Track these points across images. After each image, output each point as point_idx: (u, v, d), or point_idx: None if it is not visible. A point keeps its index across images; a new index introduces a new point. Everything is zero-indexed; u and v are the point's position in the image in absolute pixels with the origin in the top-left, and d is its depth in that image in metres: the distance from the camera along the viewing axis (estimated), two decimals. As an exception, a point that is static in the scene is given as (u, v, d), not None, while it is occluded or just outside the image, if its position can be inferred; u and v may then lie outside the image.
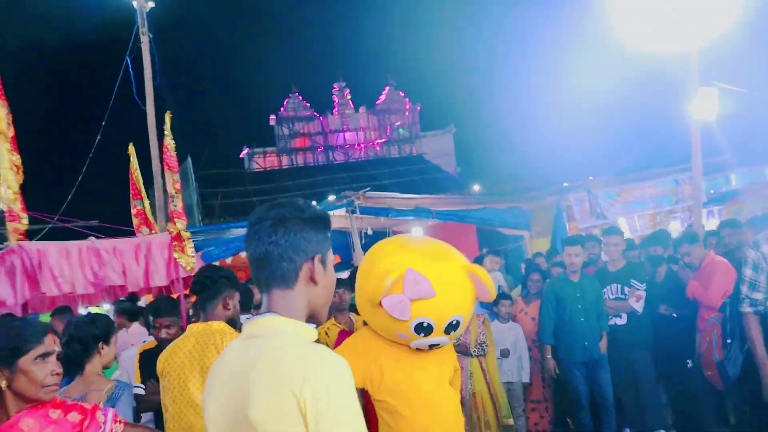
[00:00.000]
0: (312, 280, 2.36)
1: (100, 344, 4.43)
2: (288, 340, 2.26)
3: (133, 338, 7.92)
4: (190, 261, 8.60)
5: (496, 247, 12.25)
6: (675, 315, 8.15)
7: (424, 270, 3.60)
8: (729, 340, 6.32)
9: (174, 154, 8.56)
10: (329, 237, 2.43)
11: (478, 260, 10.43)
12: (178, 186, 8.56)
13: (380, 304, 3.63)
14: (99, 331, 4.44)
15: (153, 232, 9.27)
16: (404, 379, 3.84)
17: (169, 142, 8.46)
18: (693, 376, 8.30)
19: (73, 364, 4.26)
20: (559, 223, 13.89)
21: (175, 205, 8.49)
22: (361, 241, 12.67)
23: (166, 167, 8.70)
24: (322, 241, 2.39)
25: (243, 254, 12.06)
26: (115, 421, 3.18)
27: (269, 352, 2.23)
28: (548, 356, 8.09)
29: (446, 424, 3.94)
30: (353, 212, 12.08)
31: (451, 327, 3.78)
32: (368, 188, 13.07)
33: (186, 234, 8.64)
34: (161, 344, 5.80)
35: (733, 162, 14.33)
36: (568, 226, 14.07)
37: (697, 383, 8.34)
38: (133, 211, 10.11)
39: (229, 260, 12.27)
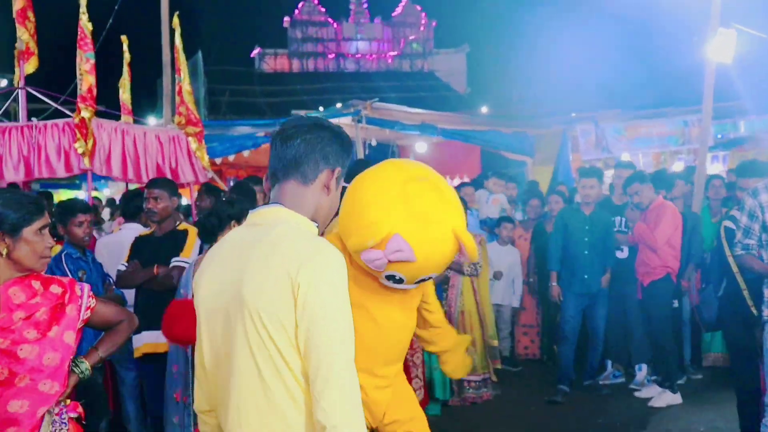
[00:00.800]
0: (326, 187, 2.46)
1: (233, 222, 4.99)
2: (290, 228, 2.34)
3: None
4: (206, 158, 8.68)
5: (499, 170, 12.23)
6: None
7: (411, 235, 3.53)
8: (704, 285, 6.41)
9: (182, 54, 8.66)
10: (347, 161, 2.53)
11: (482, 179, 10.34)
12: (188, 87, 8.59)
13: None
14: (234, 212, 5.03)
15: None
16: (365, 294, 3.87)
17: (179, 43, 8.57)
18: (677, 316, 8.46)
19: (209, 233, 4.98)
20: (563, 153, 13.86)
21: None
22: (364, 152, 12.68)
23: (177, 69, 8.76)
24: (344, 160, 2.50)
25: (246, 153, 12.10)
26: (89, 296, 3.23)
27: (270, 237, 2.30)
28: (554, 283, 8.13)
29: (395, 350, 4.04)
30: (359, 122, 12.07)
31: (422, 280, 3.83)
32: (376, 99, 13.02)
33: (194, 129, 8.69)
34: (148, 215, 5.95)
35: (743, 108, 14.25)
36: (571, 156, 14.05)
37: (681, 324, 8.53)
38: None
39: (231, 157, 12.29)
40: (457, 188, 9.35)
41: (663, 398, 7.68)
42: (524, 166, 14.85)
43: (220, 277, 2.37)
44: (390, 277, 3.67)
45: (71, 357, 3.14)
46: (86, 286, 3.27)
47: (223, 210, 5.11)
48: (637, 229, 7.78)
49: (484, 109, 24.15)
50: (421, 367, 6.61)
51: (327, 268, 2.21)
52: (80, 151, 7.41)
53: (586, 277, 7.92)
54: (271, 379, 2.23)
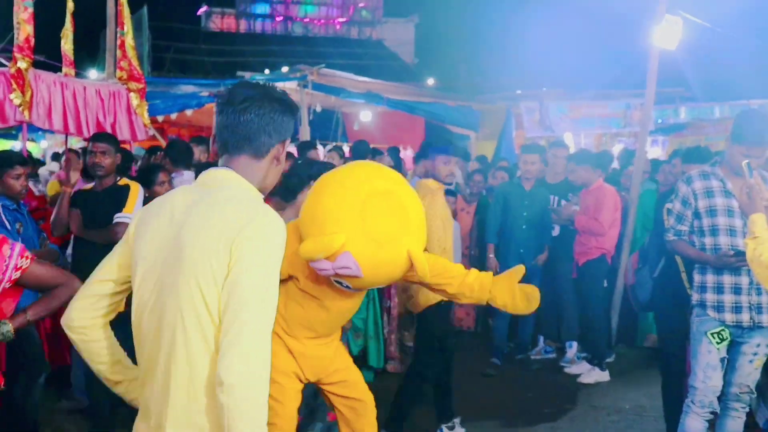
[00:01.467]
0: (276, 159, 2.49)
1: (311, 182, 4.94)
2: (238, 192, 2.36)
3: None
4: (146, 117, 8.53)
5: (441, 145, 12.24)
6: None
7: (361, 254, 3.66)
8: (640, 266, 6.53)
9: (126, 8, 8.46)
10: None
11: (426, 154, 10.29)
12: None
13: None
14: (313, 171, 5.04)
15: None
16: (319, 288, 3.95)
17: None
18: (608, 296, 8.63)
19: (289, 193, 5.11)
20: (507, 129, 13.94)
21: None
22: (309, 117, 12.61)
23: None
24: (290, 128, 2.51)
25: (188, 112, 11.94)
26: (22, 256, 3.15)
27: (216, 197, 2.33)
28: (491, 255, 8.22)
29: (340, 324, 4.24)
30: (305, 87, 11.99)
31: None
32: (323, 65, 12.94)
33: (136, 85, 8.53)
34: (94, 169, 5.84)
35: (685, 95, 14.49)
36: (515, 133, 14.15)
37: (610, 302, 8.69)
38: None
39: (174, 116, 12.13)
40: (416, 160, 9.38)
41: (591, 375, 7.84)
42: (468, 140, 14.92)
43: (161, 230, 2.36)
44: (337, 282, 3.78)
45: None
46: (18, 246, 3.17)
47: (303, 170, 5.26)
48: (579, 222, 7.91)
49: (430, 81, 24.15)
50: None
51: (265, 233, 2.24)
52: (16, 102, 7.24)
53: (521, 251, 8.01)
54: (194, 334, 2.22)
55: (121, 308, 2.61)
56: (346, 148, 12.34)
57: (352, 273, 3.65)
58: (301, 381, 4.45)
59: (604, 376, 7.86)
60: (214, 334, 2.21)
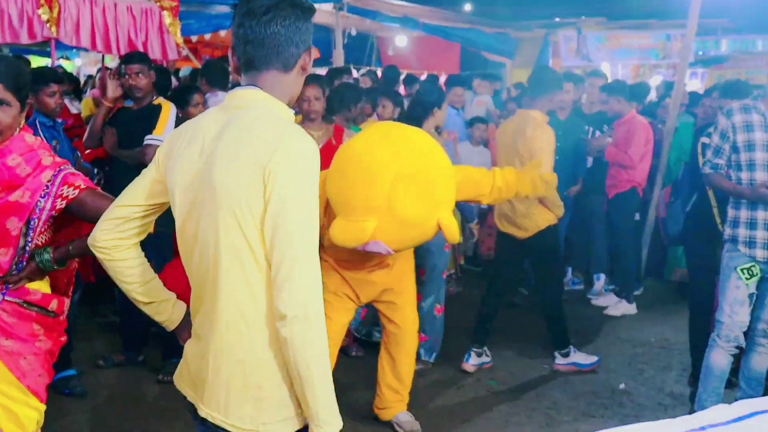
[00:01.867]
0: (303, 69, 2.37)
1: (434, 109, 5.56)
2: (266, 113, 2.27)
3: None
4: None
5: (478, 70, 12.13)
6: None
7: (390, 237, 3.88)
8: (672, 200, 6.45)
9: None
10: None
11: (465, 79, 10.18)
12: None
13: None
14: (434, 98, 5.61)
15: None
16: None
17: None
18: (639, 229, 8.57)
19: (413, 121, 5.21)
20: (543, 57, 13.75)
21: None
22: (343, 41, 12.46)
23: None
24: (312, 33, 2.39)
25: (222, 32, 11.84)
26: (68, 184, 3.02)
27: (244, 121, 2.24)
28: None
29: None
30: (340, 9, 11.81)
31: None
32: (359, -13, 12.74)
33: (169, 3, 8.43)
34: (131, 91, 5.83)
35: (727, 27, 14.15)
36: (551, 61, 13.93)
37: (641, 235, 8.63)
38: None
39: (207, 36, 12.03)
40: (447, 87, 9.30)
41: (618, 308, 7.84)
42: (503, 68, 14.74)
43: (194, 160, 2.30)
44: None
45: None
46: (63, 174, 3.05)
47: (426, 98, 5.57)
48: (610, 154, 7.80)
49: (467, 7, 23.72)
50: None
51: (298, 157, 2.15)
52: (44, 18, 7.20)
53: (554, 182, 7.89)
54: (232, 267, 2.20)
55: (151, 230, 2.61)
56: (379, 73, 12.23)
57: (382, 252, 3.92)
58: (353, 301, 4.78)
59: (630, 308, 7.85)
60: (255, 268, 2.19)
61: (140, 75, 5.72)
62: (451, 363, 6.27)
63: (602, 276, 8.33)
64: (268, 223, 2.13)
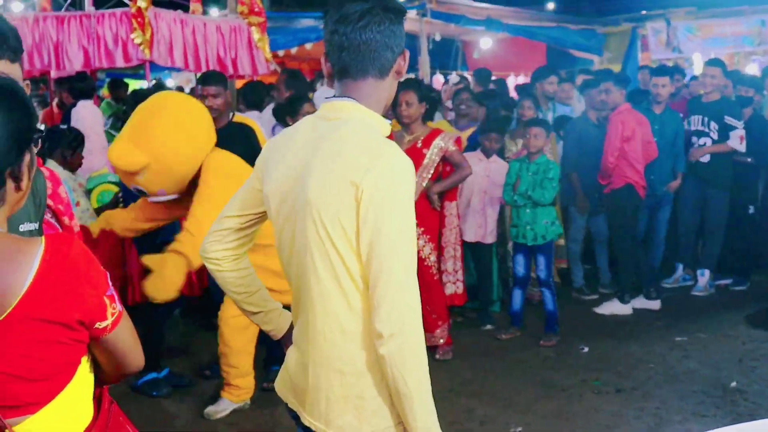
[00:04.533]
0: (398, 73, 2.35)
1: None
2: (362, 127, 2.24)
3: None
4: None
5: (565, 68, 11.95)
6: (749, 160, 8.03)
7: None
8: None
9: None
10: None
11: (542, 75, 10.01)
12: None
13: None
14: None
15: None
16: None
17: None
18: (753, 223, 8.30)
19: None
20: (632, 52, 13.51)
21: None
22: (428, 47, 12.47)
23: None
24: (404, 37, 2.37)
25: (308, 45, 11.98)
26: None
27: (339, 134, 2.22)
28: None
29: None
30: (424, 15, 11.82)
31: None
32: (442, -8, 12.73)
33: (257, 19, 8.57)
34: (210, 113, 5.86)
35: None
36: (640, 56, 13.67)
37: (757, 230, 8.35)
38: None
39: (294, 50, 12.17)
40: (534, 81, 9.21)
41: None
42: (591, 65, 14.50)
43: (290, 169, 2.30)
44: None
45: None
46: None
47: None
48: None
49: (550, 5, 23.49)
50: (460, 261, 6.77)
51: (392, 174, 2.12)
52: (137, 41, 7.43)
53: (652, 177, 7.71)
54: (327, 280, 2.20)
55: (256, 240, 2.65)
56: (468, 77, 12.18)
57: None
58: None
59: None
60: (350, 282, 2.18)
61: (217, 97, 5.78)
62: (555, 364, 6.19)
63: (707, 272, 8.10)
64: (363, 241, 2.12)
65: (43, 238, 1.74)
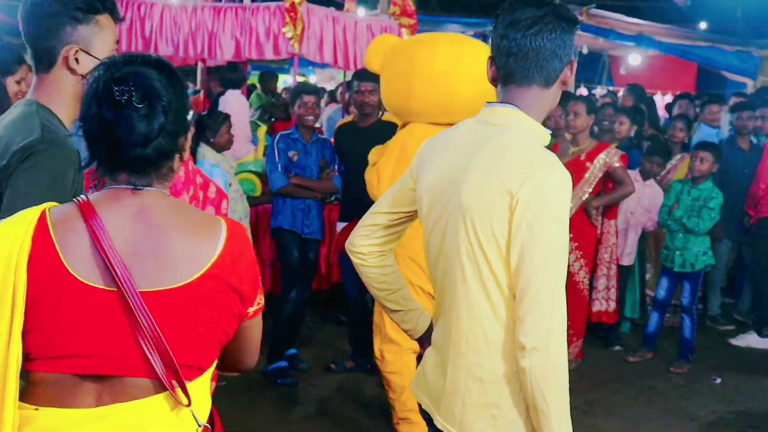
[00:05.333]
0: (564, 83, 2.31)
1: None
2: (522, 135, 2.22)
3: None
4: None
5: (716, 91, 11.60)
6: None
7: None
8: None
9: None
10: None
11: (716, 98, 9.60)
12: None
13: None
14: None
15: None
16: None
17: None
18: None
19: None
20: (790, 76, 12.96)
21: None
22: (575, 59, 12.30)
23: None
24: (574, 46, 2.33)
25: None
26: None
27: (500, 141, 2.21)
28: None
29: None
30: (573, 27, 11.65)
31: None
32: (593, 5, 12.54)
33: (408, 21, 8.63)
34: (361, 107, 5.94)
35: None
36: (798, 80, 13.12)
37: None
38: None
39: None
40: (704, 105, 8.96)
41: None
42: (744, 89, 13.99)
43: (445, 171, 2.31)
44: None
45: None
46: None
47: None
48: None
49: (702, 25, 22.82)
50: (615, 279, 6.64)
51: (550, 187, 2.09)
52: (288, 35, 7.58)
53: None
54: (474, 284, 2.19)
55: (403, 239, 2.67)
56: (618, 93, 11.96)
57: None
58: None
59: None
60: (497, 290, 2.16)
61: (373, 93, 5.84)
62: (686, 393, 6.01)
63: None
64: (514, 252, 2.09)
65: (220, 217, 1.89)
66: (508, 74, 2.27)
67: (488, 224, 2.12)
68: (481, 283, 2.17)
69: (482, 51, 4.30)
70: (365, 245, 2.57)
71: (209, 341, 1.81)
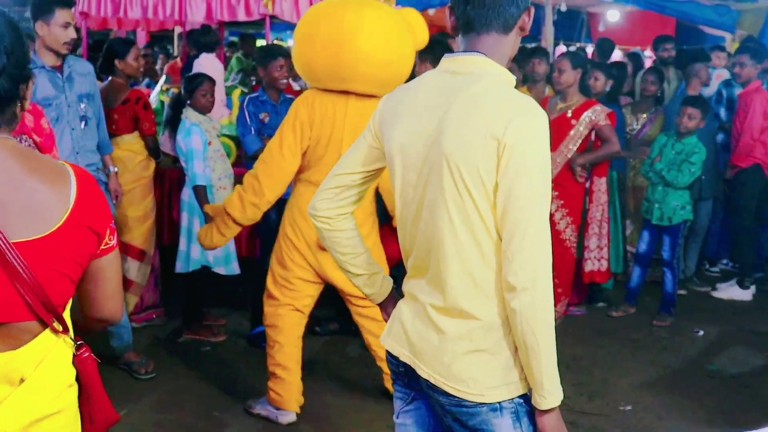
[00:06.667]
0: (522, 29, 2.33)
1: None
2: (494, 82, 2.24)
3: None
4: None
5: (694, 44, 11.54)
6: None
7: None
8: None
9: None
10: None
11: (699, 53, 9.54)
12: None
13: None
14: None
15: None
16: None
17: None
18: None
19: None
20: (767, 30, 12.91)
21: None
22: (552, 17, 12.19)
23: None
24: None
25: (431, 11, 11.82)
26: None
27: (474, 89, 2.21)
28: None
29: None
30: (552, -16, 11.54)
31: None
32: (571, -39, 12.42)
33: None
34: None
35: None
36: (777, 34, 13.07)
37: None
38: None
39: (432, 12, 11.94)
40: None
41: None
42: (722, 42, 13.96)
43: (417, 123, 2.30)
44: None
45: None
46: None
47: None
48: None
49: (682, -20, 22.76)
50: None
51: (534, 129, 2.13)
52: (259, -6, 7.47)
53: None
54: (462, 232, 2.20)
55: (366, 200, 2.64)
56: (589, 50, 11.89)
57: None
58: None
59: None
60: (486, 236, 2.19)
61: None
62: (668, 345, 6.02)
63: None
64: (500, 195, 2.13)
65: (63, 162, 2.01)
66: (468, 22, 2.29)
67: (475, 170, 2.14)
68: (470, 231, 2.20)
69: (387, 17, 4.30)
70: (329, 209, 2.55)
71: (74, 280, 1.99)
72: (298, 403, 4.69)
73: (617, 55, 10.81)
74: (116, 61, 5.77)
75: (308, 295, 4.58)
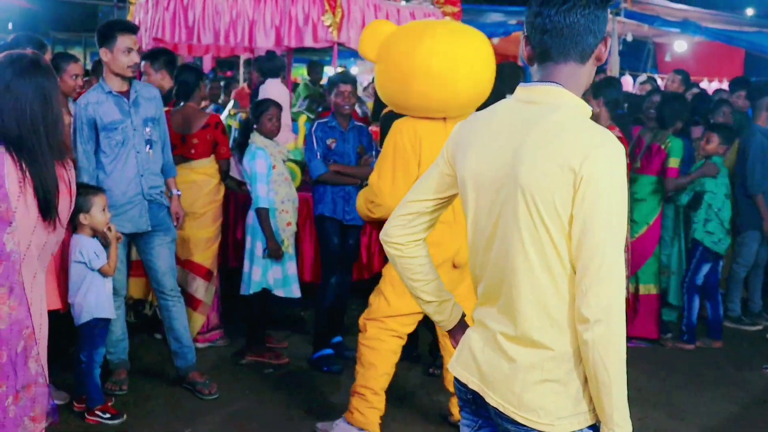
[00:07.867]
0: (598, 59, 2.32)
1: None
2: (571, 113, 2.24)
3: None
4: None
5: (764, 77, 11.39)
6: None
7: None
8: None
9: None
10: None
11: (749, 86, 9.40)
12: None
13: None
14: None
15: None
16: None
17: None
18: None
19: None
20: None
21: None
22: (618, 47, 12.12)
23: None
24: (607, 23, 2.35)
25: (495, 40, 11.88)
26: None
27: (551, 119, 2.21)
28: None
29: None
30: (617, 14, 11.49)
31: None
32: (638, -8, 12.35)
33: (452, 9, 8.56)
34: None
35: None
36: None
37: None
38: None
39: (495, 41, 12.00)
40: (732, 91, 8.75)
41: None
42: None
43: (492, 152, 2.30)
44: None
45: None
46: None
47: None
48: None
49: (749, 11, 22.46)
50: None
51: (611, 162, 2.12)
52: (327, 23, 7.55)
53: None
54: (536, 262, 2.20)
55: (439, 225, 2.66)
56: (659, 80, 11.78)
57: None
58: None
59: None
60: (559, 267, 2.19)
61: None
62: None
63: None
64: (576, 227, 2.13)
65: None
66: (544, 52, 2.28)
67: (551, 202, 2.14)
68: (544, 261, 2.19)
69: (478, 42, 4.38)
70: (401, 235, 2.57)
71: None
72: (379, 427, 4.69)
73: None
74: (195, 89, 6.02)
75: (414, 322, 4.62)
